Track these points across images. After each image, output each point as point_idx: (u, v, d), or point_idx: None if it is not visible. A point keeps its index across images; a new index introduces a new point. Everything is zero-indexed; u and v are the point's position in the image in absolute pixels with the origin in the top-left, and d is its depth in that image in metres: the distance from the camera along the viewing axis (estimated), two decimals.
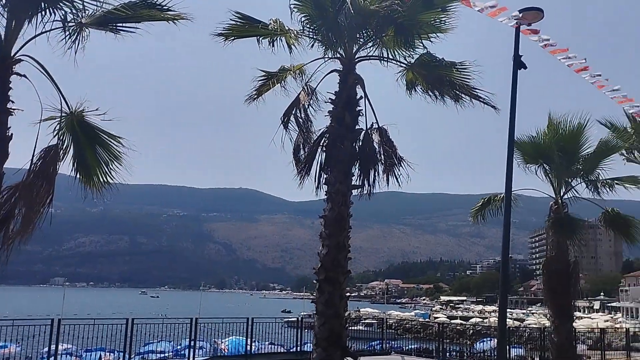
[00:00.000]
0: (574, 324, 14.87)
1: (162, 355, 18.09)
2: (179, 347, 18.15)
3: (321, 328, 8.87)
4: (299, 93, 9.84)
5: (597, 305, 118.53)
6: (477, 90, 9.66)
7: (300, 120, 9.76)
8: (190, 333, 16.95)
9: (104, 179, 7.47)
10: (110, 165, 7.45)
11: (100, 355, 16.90)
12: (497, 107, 9.65)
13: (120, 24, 7.05)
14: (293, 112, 9.79)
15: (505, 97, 10.23)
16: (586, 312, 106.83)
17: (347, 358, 9.20)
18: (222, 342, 19.28)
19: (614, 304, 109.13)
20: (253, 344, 18.74)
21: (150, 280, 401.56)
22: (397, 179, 9.54)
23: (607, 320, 70.53)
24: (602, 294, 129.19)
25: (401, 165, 9.64)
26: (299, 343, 20.00)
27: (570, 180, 12.99)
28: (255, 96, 10.47)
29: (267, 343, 19.83)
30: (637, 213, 14.20)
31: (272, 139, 9.52)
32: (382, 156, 9.70)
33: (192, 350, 16.97)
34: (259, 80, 10.34)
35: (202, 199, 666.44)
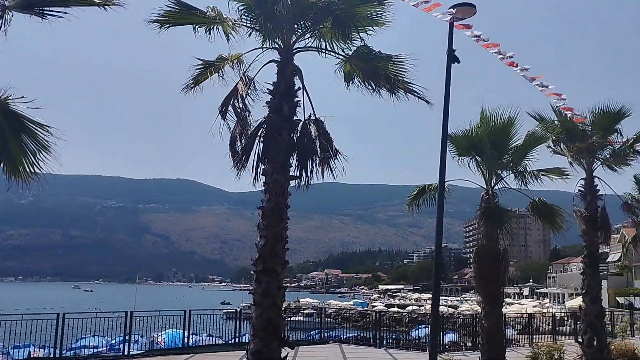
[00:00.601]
0: (504, 309, 15.47)
1: (96, 350, 17.63)
2: (113, 341, 17.73)
3: (258, 319, 8.88)
4: (237, 83, 9.73)
5: (526, 291, 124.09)
6: (411, 84, 9.84)
7: (238, 110, 9.67)
8: (125, 327, 16.58)
9: (31, 169, 7.15)
10: (38, 155, 7.13)
11: (29, 351, 16.25)
12: (430, 102, 9.86)
13: (47, 8, 6.75)
14: (231, 102, 9.67)
15: (441, 90, 10.53)
16: (516, 298, 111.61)
17: (285, 348, 9.24)
18: (158, 336, 18.98)
19: (542, 290, 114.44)
20: (191, 336, 18.56)
21: (84, 273, 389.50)
22: (332, 171, 9.64)
23: (536, 306, 73.81)
24: (531, 280, 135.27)
25: (337, 158, 9.73)
26: (237, 334, 19.98)
27: (500, 171, 13.46)
28: (193, 85, 10.28)
29: (205, 335, 19.69)
30: (563, 203, 14.90)
31: (209, 129, 9.40)
32: (319, 148, 9.77)
33: (127, 344, 16.63)
34: (197, 69, 10.16)
35: (138, 189, 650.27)
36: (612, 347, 16.70)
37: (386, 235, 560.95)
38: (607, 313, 21.58)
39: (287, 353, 9.25)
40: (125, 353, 16.44)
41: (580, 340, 15.88)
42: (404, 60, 9.78)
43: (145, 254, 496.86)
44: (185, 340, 18.00)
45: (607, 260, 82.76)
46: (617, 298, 71.59)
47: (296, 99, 9.77)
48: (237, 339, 19.62)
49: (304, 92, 9.83)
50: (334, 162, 9.65)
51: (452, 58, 9.95)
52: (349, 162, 9.66)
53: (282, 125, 9.48)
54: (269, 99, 9.73)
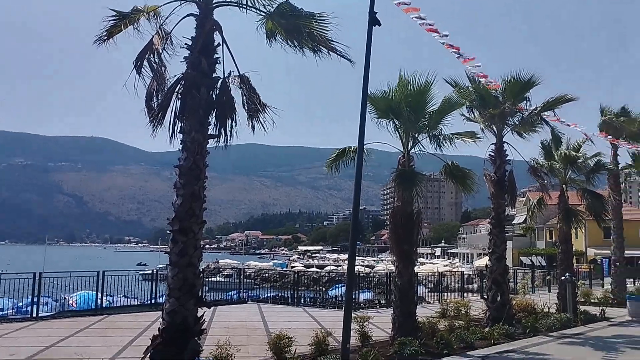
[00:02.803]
0: (416, 269, 16.12)
1: (2, 312, 16.89)
2: (20, 303, 17.00)
3: (174, 278, 8.76)
4: (153, 36, 9.33)
5: (438, 251, 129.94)
6: (334, 43, 9.81)
7: (154, 65, 9.29)
8: (33, 289, 15.91)
9: None
10: None
11: None
12: (352, 60, 9.86)
13: None
14: (146, 56, 9.27)
15: (362, 53, 10.57)
16: (429, 258, 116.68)
17: (202, 308, 9.21)
18: (70, 297, 18.38)
19: (452, 251, 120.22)
20: (105, 298, 18.13)
21: None
22: (262, 125, 9.51)
23: (446, 265, 77.33)
24: (443, 241, 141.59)
25: (265, 112, 9.61)
26: (154, 295, 19.74)
27: (417, 135, 13.80)
28: (106, 37, 9.71)
29: (120, 296, 19.30)
30: (474, 167, 15.53)
31: (124, 85, 9.03)
32: (245, 104, 9.60)
33: (35, 306, 15.99)
34: (110, 21, 9.61)
35: (49, 147, 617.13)
36: (514, 302, 17.89)
37: (306, 197, 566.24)
38: (510, 271, 23.05)
39: (204, 312, 9.23)
40: (34, 315, 15.83)
41: (485, 296, 16.89)
42: (327, 18, 9.69)
43: (56, 215, 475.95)
44: (99, 301, 17.57)
45: (513, 222, 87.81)
46: (520, 257, 76.46)
47: (216, 55, 9.50)
48: (153, 300, 19.40)
49: (225, 47, 9.57)
50: (264, 117, 9.53)
51: (373, 20, 9.99)
52: (280, 117, 9.57)
53: (200, 81, 9.21)
54: (187, 54, 9.40)
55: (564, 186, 20.82)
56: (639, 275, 37.28)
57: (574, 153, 20.65)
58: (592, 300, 23.21)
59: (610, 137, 23.97)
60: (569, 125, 18.99)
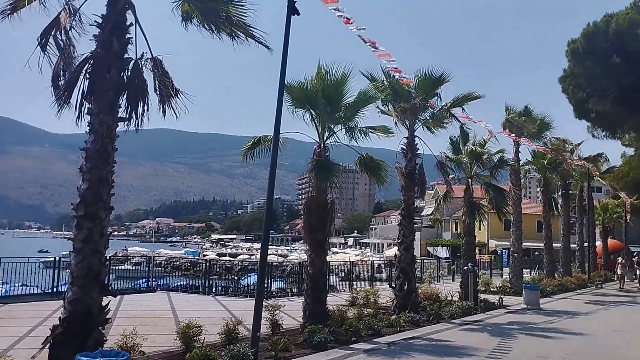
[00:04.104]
0: (329, 258, 16.37)
1: None
2: None
3: (78, 266, 8.38)
4: (59, 12, 8.85)
5: (351, 241, 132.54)
6: (252, 29, 9.70)
7: (60, 43, 8.82)
8: None
9: None
10: None
11: None
12: (270, 48, 9.80)
13: None
14: (52, 33, 8.79)
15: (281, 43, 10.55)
16: (341, 248, 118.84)
17: (107, 297, 8.89)
18: None
19: (365, 241, 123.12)
20: (2, 286, 17.08)
21: None
22: (174, 110, 9.28)
23: (358, 255, 79.32)
24: (355, 231, 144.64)
25: (178, 97, 9.36)
26: (56, 284, 18.81)
27: (332, 126, 13.96)
28: (9, 12, 9.09)
29: (18, 285, 18.25)
30: (387, 159, 15.92)
31: (26, 62, 8.53)
32: (157, 87, 9.31)
33: None
34: None
35: None
36: (420, 291, 18.60)
37: (221, 185, 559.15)
38: (418, 261, 23.89)
39: (109, 301, 8.92)
40: None
41: (393, 285, 17.43)
42: (245, 4, 9.57)
43: None
44: None
45: (422, 214, 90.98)
46: (428, 248, 79.56)
47: (128, 35, 9.13)
48: (55, 289, 18.48)
49: (138, 27, 9.22)
50: (176, 102, 9.29)
51: (292, 9, 9.99)
52: (193, 103, 9.36)
53: (111, 62, 8.83)
54: (97, 33, 8.98)
55: (469, 180, 21.82)
56: (535, 266, 39.82)
57: (479, 149, 21.65)
58: (492, 289, 24.54)
59: (513, 135, 25.37)
60: (475, 122, 19.94)
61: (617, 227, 52.36)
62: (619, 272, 32.54)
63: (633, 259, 39.04)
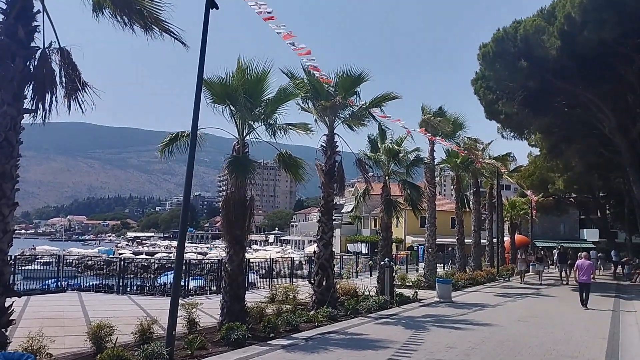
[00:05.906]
0: (249, 255, 16.27)
1: None
2: None
3: None
4: None
5: (271, 238, 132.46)
6: (168, 24, 9.45)
7: None
8: None
9: None
10: None
11: None
12: (186, 44, 9.58)
13: None
14: None
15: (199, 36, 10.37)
16: (262, 245, 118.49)
17: (12, 298, 8.41)
18: None
19: (285, 238, 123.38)
20: None
21: None
22: (80, 105, 8.88)
23: (278, 252, 79.23)
24: (276, 228, 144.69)
25: (85, 91, 8.97)
26: None
27: (252, 122, 13.89)
28: None
29: None
30: (307, 157, 16.06)
31: None
32: (64, 79, 8.88)
33: None
34: None
35: None
36: (338, 286, 18.91)
37: (138, 181, 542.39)
38: (337, 257, 24.25)
39: (13, 302, 8.46)
40: None
41: (312, 281, 17.60)
42: None
43: None
44: None
45: (342, 211, 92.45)
46: (347, 244, 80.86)
47: (35, 23, 8.66)
48: None
49: (45, 16, 8.76)
50: (82, 96, 8.88)
51: (210, 3, 9.86)
52: (101, 98, 8.96)
53: (16, 50, 8.34)
54: (1, 20, 8.46)
55: (387, 178, 22.35)
56: (449, 261, 41.42)
57: (396, 147, 22.22)
58: (408, 284, 25.29)
59: (429, 134, 26.25)
60: (393, 121, 20.47)
61: (524, 223, 55.58)
62: (518, 267, 34.36)
63: (538, 254, 41.27)
